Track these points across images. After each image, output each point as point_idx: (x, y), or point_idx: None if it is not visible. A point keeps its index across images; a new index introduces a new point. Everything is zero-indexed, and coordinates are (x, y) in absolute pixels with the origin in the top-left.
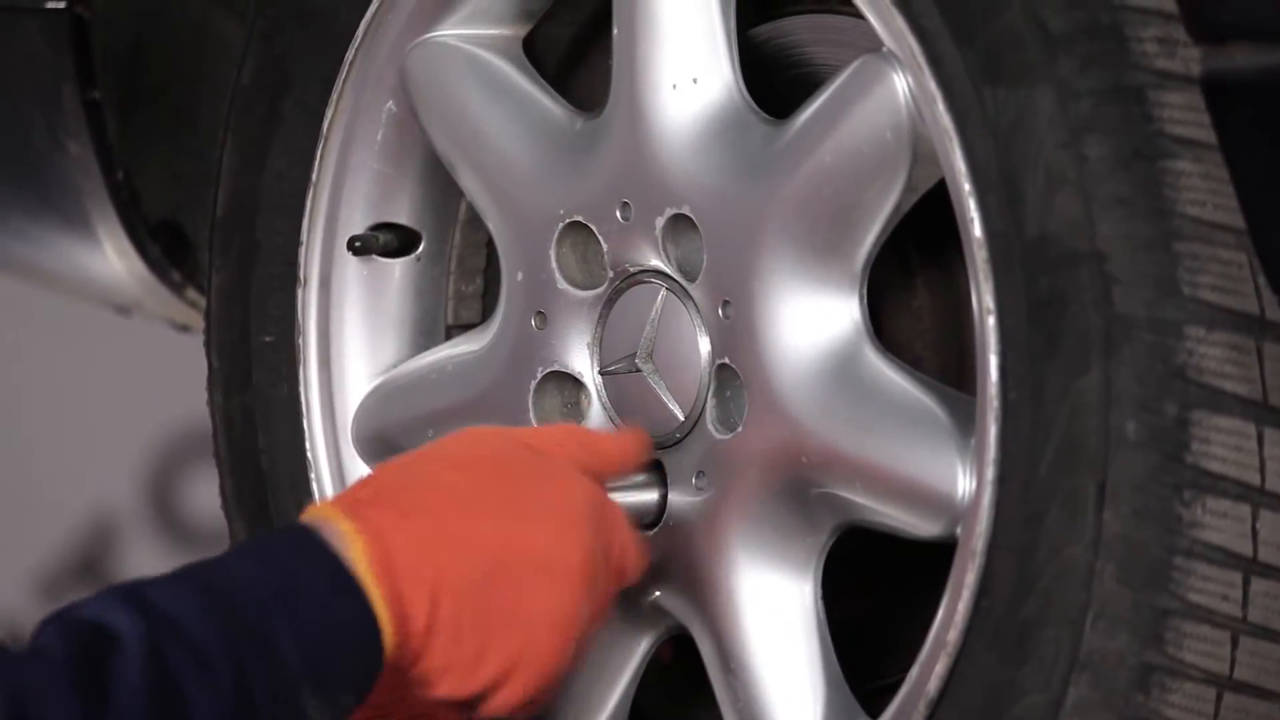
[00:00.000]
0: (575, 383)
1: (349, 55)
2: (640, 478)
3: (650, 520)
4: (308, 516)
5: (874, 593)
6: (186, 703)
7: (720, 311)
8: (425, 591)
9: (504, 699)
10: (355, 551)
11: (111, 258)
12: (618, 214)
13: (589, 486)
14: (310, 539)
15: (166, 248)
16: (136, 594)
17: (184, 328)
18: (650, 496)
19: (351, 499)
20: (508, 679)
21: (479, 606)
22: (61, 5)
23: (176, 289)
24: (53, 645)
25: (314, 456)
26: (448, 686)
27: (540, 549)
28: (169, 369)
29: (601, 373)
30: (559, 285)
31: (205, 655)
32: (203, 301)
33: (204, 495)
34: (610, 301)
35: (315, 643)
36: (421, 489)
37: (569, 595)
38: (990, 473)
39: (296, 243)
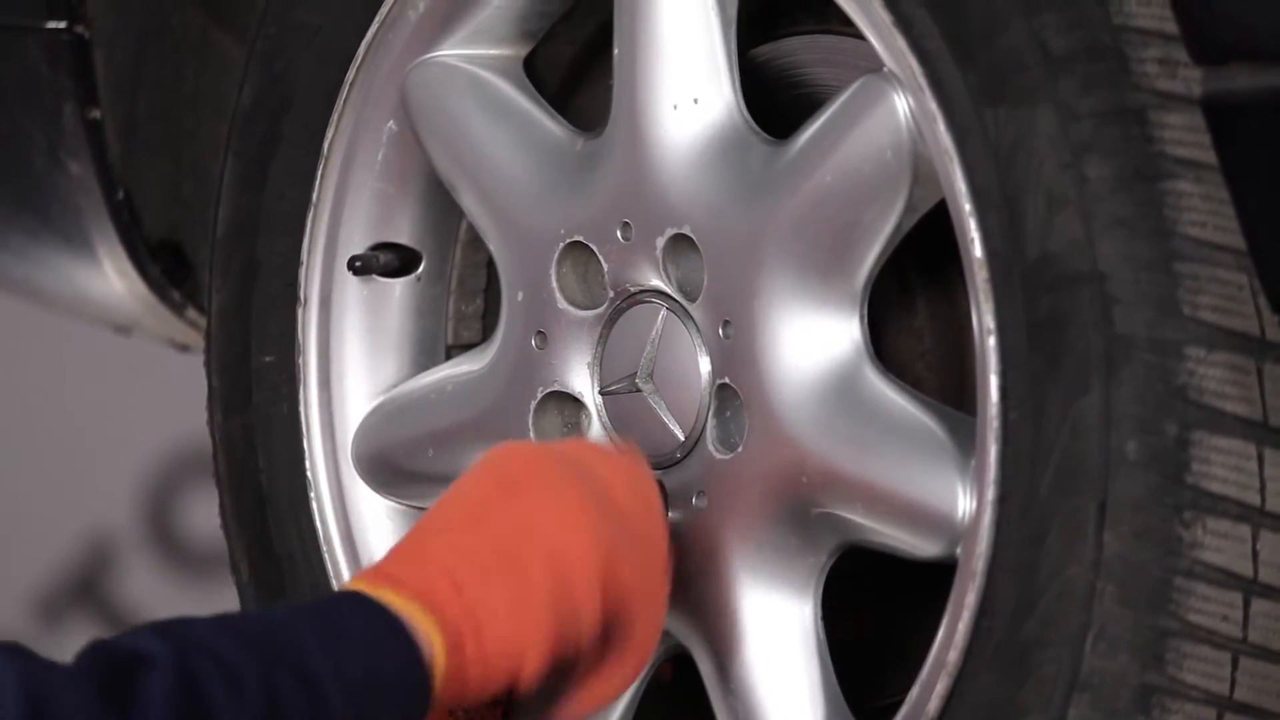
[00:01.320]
0: (575, 403)
1: (349, 75)
2: None
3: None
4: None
5: (874, 613)
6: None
7: (720, 331)
8: (503, 662)
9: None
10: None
11: (112, 277)
12: (618, 234)
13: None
14: (346, 594)
15: (167, 267)
16: (172, 626)
17: (184, 347)
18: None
19: (410, 581)
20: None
21: (552, 665)
22: (62, 24)
23: (177, 309)
24: (82, 660)
25: (314, 476)
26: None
27: (549, 539)
28: (169, 388)
29: (602, 393)
30: (559, 305)
31: (238, 678)
32: (203, 321)
33: (203, 515)
34: (611, 321)
35: (358, 677)
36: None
37: (586, 585)
38: (991, 493)
39: (297, 262)
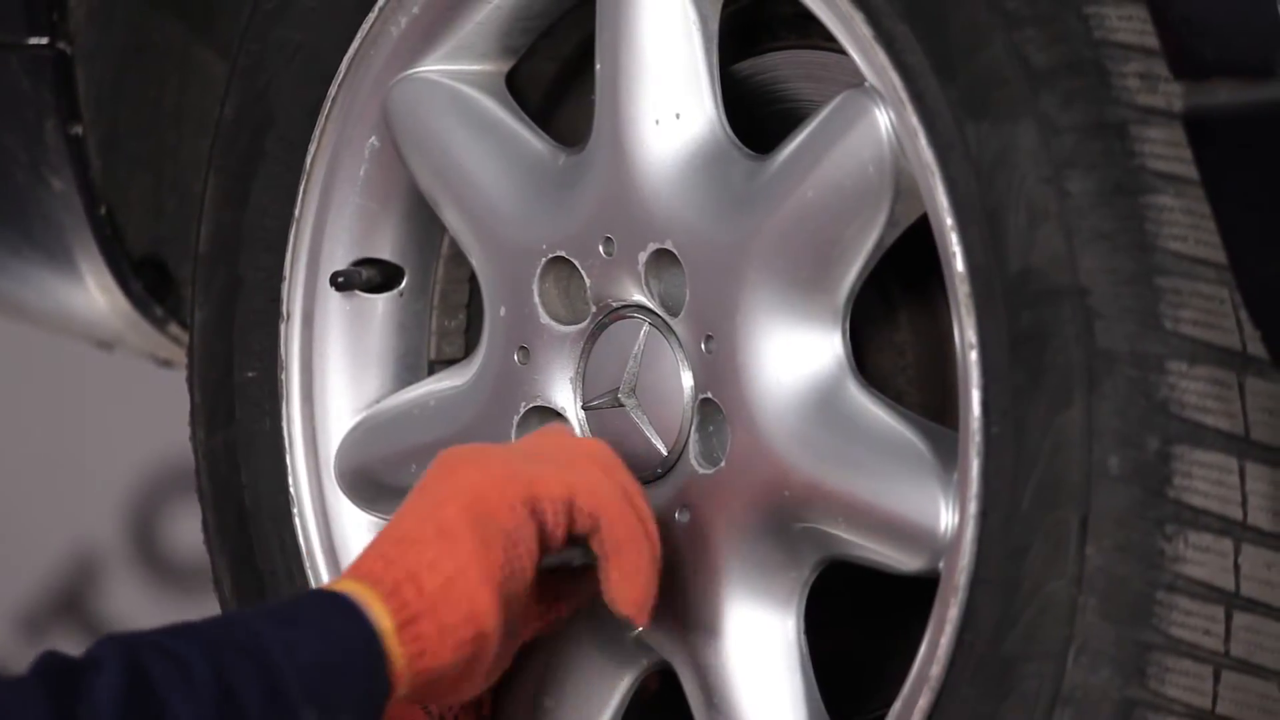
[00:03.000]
0: (558, 418)
1: (332, 91)
2: None
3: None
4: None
5: (857, 627)
6: (160, 700)
7: (703, 346)
8: (405, 578)
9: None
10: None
11: (94, 293)
12: (600, 249)
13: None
14: (344, 606)
15: (149, 283)
16: (124, 634)
17: (166, 363)
18: None
19: (369, 573)
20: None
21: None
22: (44, 41)
23: (159, 324)
24: (34, 668)
25: (297, 492)
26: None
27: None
28: (151, 404)
29: (584, 408)
30: (542, 320)
31: (187, 665)
32: (185, 337)
33: (186, 530)
34: (593, 336)
35: (313, 657)
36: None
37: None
38: (973, 507)
39: (279, 278)
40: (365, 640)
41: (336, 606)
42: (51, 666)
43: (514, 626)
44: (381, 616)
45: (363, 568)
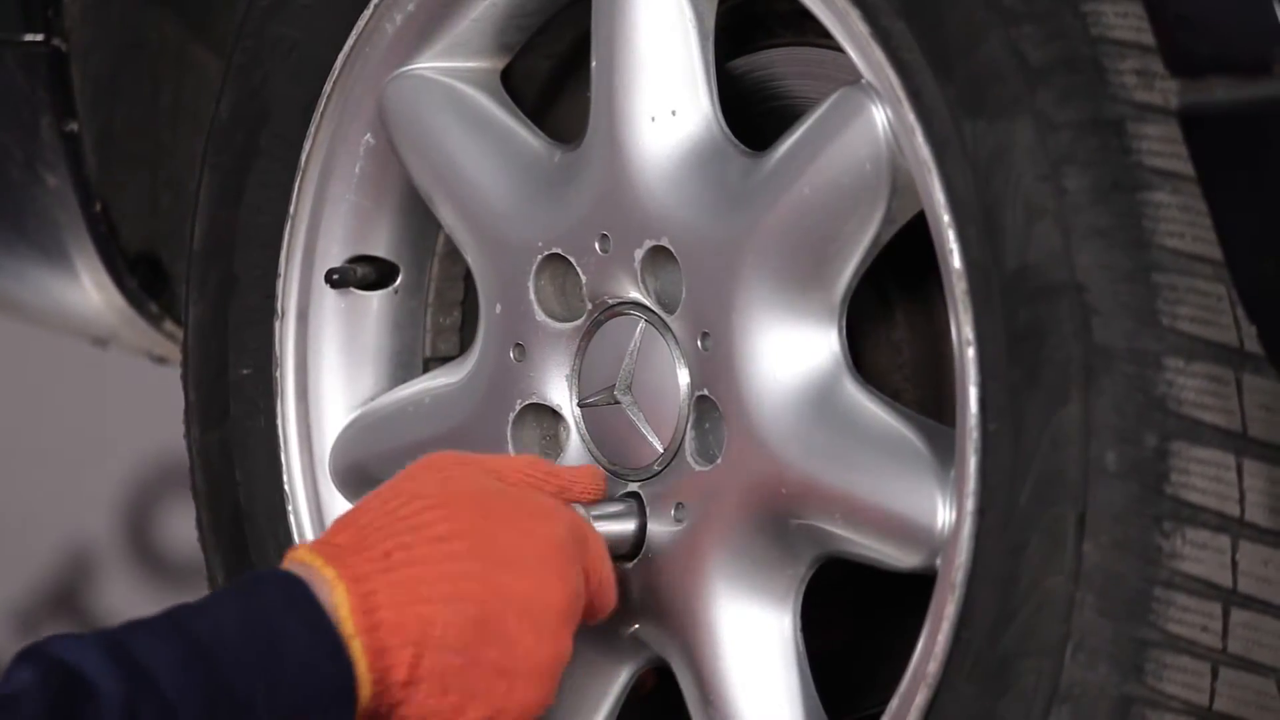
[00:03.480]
0: (554, 415)
1: (327, 88)
2: (617, 507)
3: (628, 551)
4: (291, 561)
5: (853, 624)
6: None
7: (699, 343)
8: (409, 645)
9: None
10: (339, 602)
11: (89, 290)
12: (596, 246)
13: (570, 517)
14: (296, 590)
15: (144, 280)
16: (117, 643)
17: (161, 359)
18: (628, 527)
19: (334, 544)
20: None
21: (464, 659)
22: (39, 37)
23: (154, 321)
24: (29, 691)
25: (291, 490)
26: None
27: (525, 593)
28: (146, 401)
29: (580, 405)
30: (537, 317)
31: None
32: (180, 333)
33: (181, 527)
34: (589, 333)
35: (293, 703)
36: (403, 532)
37: (552, 639)
38: (970, 504)
39: (274, 275)
40: (344, 690)
41: (331, 650)
42: (51, 682)
43: None
44: (364, 676)
45: (380, 612)
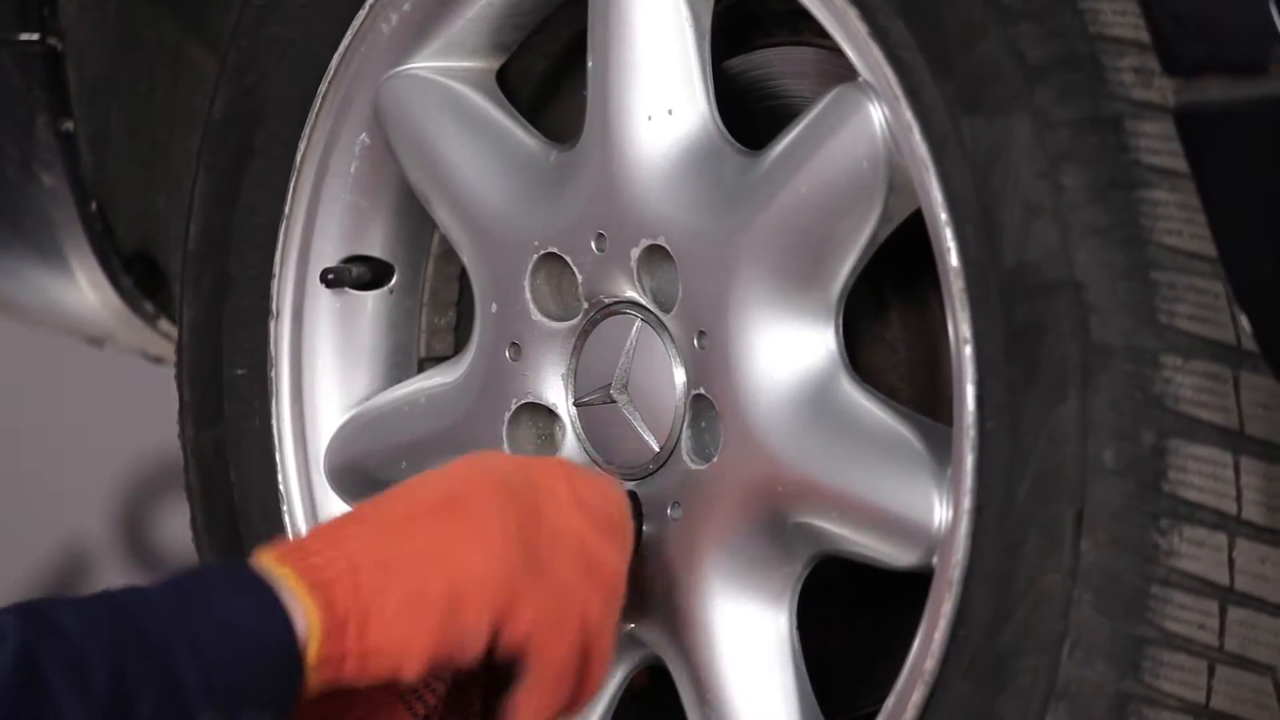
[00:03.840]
0: (549, 414)
1: (322, 88)
2: None
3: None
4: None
5: (850, 623)
6: (56, 707)
7: (695, 342)
8: (346, 571)
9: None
10: (285, 572)
11: (85, 289)
12: (592, 245)
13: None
14: (233, 562)
15: (140, 279)
16: (34, 604)
17: (157, 359)
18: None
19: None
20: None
21: (400, 553)
22: (35, 36)
23: (149, 320)
24: None
25: (286, 489)
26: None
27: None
28: (143, 399)
29: (576, 404)
30: (533, 317)
31: (83, 662)
32: (175, 333)
33: (176, 526)
34: (585, 333)
35: (220, 655)
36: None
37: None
38: (967, 502)
39: (269, 275)
40: (285, 655)
41: (266, 610)
42: None
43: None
44: (312, 635)
45: (328, 572)
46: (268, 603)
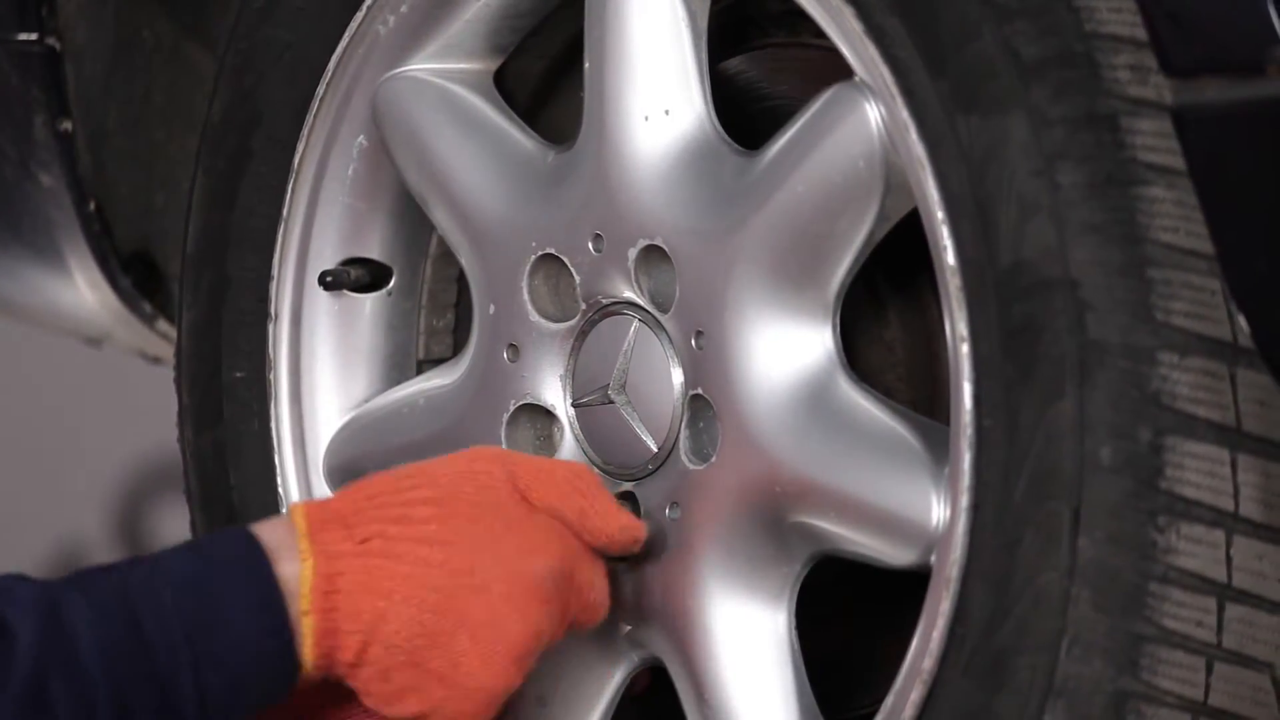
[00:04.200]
0: (548, 415)
1: (319, 90)
2: None
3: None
4: (278, 520)
5: (848, 622)
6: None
7: (693, 342)
8: (359, 633)
9: None
10: (304, 576)
11: (83, 289)
12: (590, 246)
13: (562, 550)
14: (255, 563)
15: (138, 279)
16: (51, 592)
17: (155, 359)
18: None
19: (324, 510)
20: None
21: (408, 659)
22: (33, 36)
23: (148, 320)
24: None
25: (285, 492)
26: (369, 701)
27: (481, 620)
28: (140, 401)
29: (574, 405)
30: (531, 318)
31: (89, 695)
32: (174, 333)
33: (174, 527)
34: (583, 333)
35: (221, 677)
36: (392, 520)
37: (498, 672)
38: (965, 500)
39: (267, 278)
40: (284, 667)
41: (275, 630)
42: None
43: None
44: (309, 651)
45: (339, 596)
46: (275, 624)
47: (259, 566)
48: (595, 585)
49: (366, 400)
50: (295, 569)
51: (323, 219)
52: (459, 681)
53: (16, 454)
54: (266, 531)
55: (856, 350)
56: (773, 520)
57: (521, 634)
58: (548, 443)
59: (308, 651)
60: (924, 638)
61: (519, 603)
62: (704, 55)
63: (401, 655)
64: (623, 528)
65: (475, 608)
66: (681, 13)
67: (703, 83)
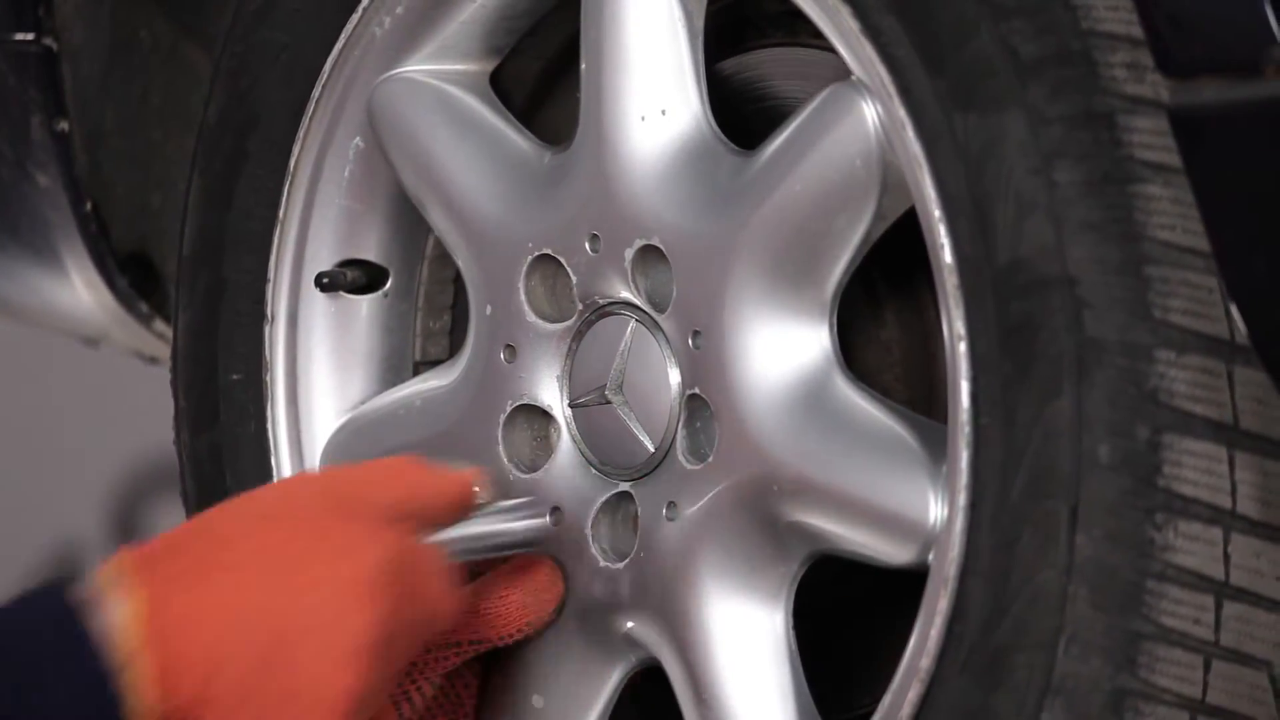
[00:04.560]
0: (545, 416)
1: (315, 92)
2: (512, 503)
3: (535, 541)
4: (100, 573)
5: (846, 621)
6: None
7: (690, 342)
8: (198, 669)
9: None
10: (129, 620)
11: (79, 289)
12: (587, 246)
13: (390, 543)
14: (69, 619)
15: (135, 279)
16: None
17: (152, 359)
18: (524, 524)
19: (146, 553)
20: None
21: (254, 685)
22: (30, 36)
23: (145, 321)
24: None
25: None
26: None
27: (322, 623)
28: (136, 402)
29: (571, 405)
30: (528, 318)
31: None
32: (170, 333)
33: (170, 527)
34: (580, 334)
35: None
36: (216, 548)
37: (349, 669)
38: (962, 498)
39: (264, 280)
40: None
41: (96, 686)
42: None
43: None
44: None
45: (170, 635)
46: (96, 673)
47: (74, 627)
48: (436, 574)
49: (363, 402)
50: (120, 617)
51: (319, 221)
52: (307, 692)
53: (14, 454)
54: (90, 579)
55: (854, 349)
56: (770, 519)
57: (362, 624)
58: (544, 443)
59: (144, 694)
60: (922, 636)
61: (350, 597)
62: (700, 55)
63: (243, 680)
64: (454, 480)
65: (306, 614)
66: (678, 13)
67: (699, 83)
